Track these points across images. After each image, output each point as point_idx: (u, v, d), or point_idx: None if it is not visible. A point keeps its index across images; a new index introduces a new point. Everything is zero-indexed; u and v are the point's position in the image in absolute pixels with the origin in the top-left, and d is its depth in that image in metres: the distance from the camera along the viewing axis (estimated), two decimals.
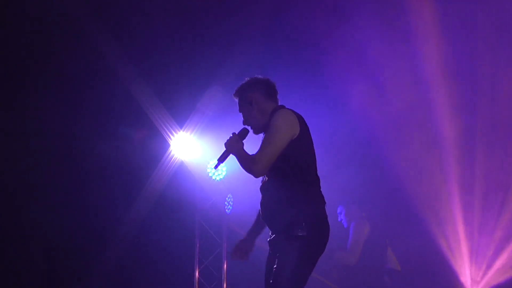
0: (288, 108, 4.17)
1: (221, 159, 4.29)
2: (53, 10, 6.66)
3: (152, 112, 7.45)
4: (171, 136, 7.55)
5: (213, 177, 7.65)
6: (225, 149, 4.24)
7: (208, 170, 7.63)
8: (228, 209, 7.82)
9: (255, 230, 4.49)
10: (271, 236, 4.16)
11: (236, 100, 4.34)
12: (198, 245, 7.86)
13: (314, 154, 4.16)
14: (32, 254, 7.46)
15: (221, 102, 7.30)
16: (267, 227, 4.25)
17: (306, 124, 4.13)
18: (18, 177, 7.31)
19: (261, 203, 4.22)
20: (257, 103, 4.22)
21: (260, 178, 4.26)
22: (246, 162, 4.02)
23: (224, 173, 7.69)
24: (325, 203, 4.10)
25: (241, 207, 7.71)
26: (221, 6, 7.16)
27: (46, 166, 7.44)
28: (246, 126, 4.30)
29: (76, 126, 7.46)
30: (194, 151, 7.65)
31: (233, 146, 4.16)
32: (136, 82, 7.26)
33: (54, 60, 7.16)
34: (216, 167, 4.41)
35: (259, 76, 4.34)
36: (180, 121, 7.60)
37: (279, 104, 4.31)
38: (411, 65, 7.30)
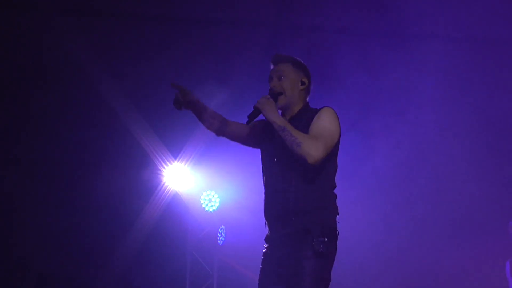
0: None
1: (251, 118, 3.82)
2: (53, 49, 6.77)
3: (147, 143, 7.50)
4: (165, 167, 7.60)
5: (207, 208, 7.71)
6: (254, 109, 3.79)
7: (202, 201, 7.69)
8: (221, 240, 7.85)
9: (210, 112, 4.00)
10: (277, 232, 3.77)
11: (280, 62, 3.96)
12: (189, 275, 7.86)
13: None
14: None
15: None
16: (273, 221, 3.79)
17: None
18: (14, 207, 7.39)
19: (278, 190, 3.76)
20: (304, 87, 3.94)
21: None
22: (303, 139, 3.64)
23: (217, 204, 7.74)
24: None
25: (233, 239, 7.75)
26: (214, 42, 7.26)
27: (40, 197, 7.50)
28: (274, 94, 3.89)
29: (72, 157, 7.52)
30: (188, 182, 7.70)
31: (269, 107, 3.75)
32: (131, 115, 7.33)
33: (53, 95, 7.27)
34: (247, 123, 3.85)
35: None
36: (174, 152, 7.66)
37: None
38: None
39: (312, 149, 3.62)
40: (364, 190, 7.61)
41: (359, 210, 7.49)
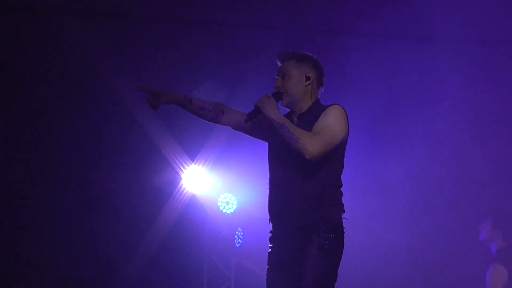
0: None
1: (251, 116, 3.83)
2: (68, 50, 6.84)
3: (164, 145, 7.54)
4: (183, 169, 7.63)
5: (224, 211, 7.72)
6: (255, 107, 3.79)
7: (219, 204, 7.71)
8: (238, 243, 7.86)
9: (197, 103, 3.92)
10: (278, 227, 3.78)
11: (285, 60, 3.90)
12: (206, 278, 7.88)
13: None
14: None
15: (232, 135, 7.39)
16: (277, 217, 3.80)
17: None
18: (30, 208, 7.46)
19: (282, 186, 3.76)
20: (312, 83, 3.86)
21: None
22: (301, 135, 3.63)
23: (235, 207, 7.75)
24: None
25: (250, 241, 7.75)
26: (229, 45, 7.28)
27: (57, 199, 7.57)
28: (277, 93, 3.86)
29: (88, 159, 7.58)
30: (205, 184, 7.72)
31: (269, 105, 3.72)
32: (148, 117, 7.37)
33: (69, 97, 7.34)
34: (245, 122, 3.87)
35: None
36: (192, 155, 7.68)
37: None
38: None
39: (309, 144, 3.59)
40: (379, 194, 7.59)
41: (374, 214, 7.47)
